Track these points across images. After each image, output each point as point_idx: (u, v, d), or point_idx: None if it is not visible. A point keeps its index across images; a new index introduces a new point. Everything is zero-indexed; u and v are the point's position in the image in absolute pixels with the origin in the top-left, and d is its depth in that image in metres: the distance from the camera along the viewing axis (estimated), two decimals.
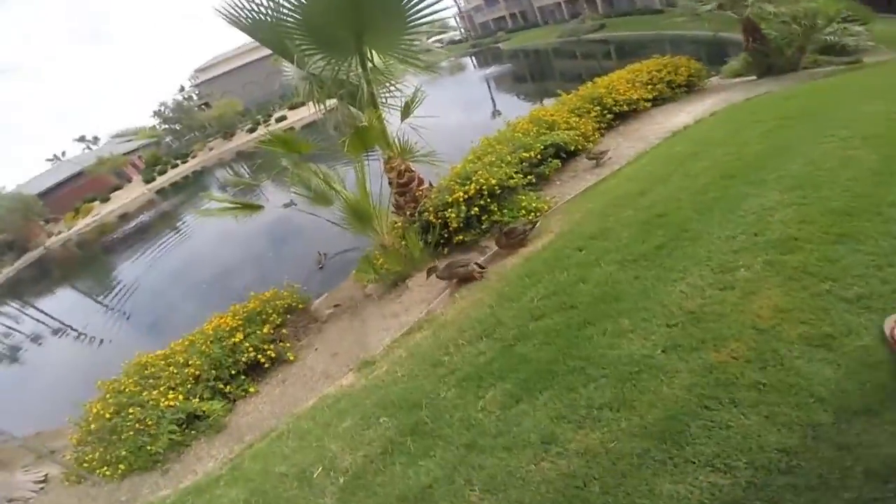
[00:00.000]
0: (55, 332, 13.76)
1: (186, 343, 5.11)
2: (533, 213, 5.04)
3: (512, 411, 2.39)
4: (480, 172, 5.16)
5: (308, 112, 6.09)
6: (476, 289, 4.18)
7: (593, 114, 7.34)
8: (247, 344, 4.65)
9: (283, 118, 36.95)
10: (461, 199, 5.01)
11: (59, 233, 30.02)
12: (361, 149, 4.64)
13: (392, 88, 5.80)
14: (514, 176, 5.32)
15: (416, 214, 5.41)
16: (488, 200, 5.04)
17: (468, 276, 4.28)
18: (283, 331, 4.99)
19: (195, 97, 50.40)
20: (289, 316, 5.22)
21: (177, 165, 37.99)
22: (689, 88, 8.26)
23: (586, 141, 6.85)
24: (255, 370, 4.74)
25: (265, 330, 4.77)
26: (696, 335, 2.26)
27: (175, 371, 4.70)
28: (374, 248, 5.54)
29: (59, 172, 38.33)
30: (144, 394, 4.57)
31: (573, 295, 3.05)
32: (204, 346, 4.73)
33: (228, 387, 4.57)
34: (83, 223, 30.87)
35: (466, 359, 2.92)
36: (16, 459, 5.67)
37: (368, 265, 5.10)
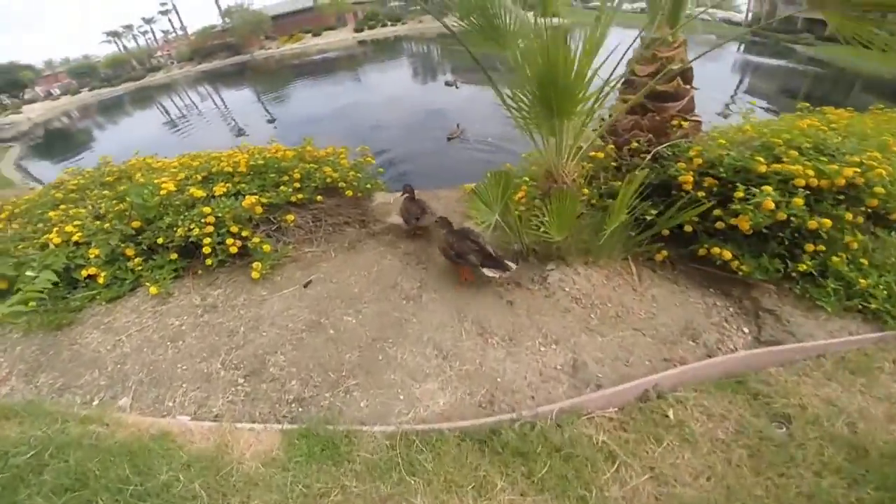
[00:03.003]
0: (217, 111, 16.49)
1: (178, 164, 3.10)
2: None
3: None
4: (866, 157, 1.78)
5: None
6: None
7: None
8: (208, 209, 2.40)
9: None
10: (775, 177, 1.75)
11: (268, 48, 34.65)
12: None
13: None
14: None
15: (645, 155, 2.34)
16: (819, 223, 1.71)
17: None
18: (291, 216, 2.62)
19: None
20: (320, 198, 2.80)
21: (386, 25, 38.42)
22: None
23: None
24: (197, 256, 2.52)
25: (249, 204, 2.43)
26: None
27: (107, 198, 2.78)
28: (529, 170, 2.75)
29: (296, 3, 41.48)
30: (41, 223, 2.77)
31: None
32: (162, 182, 2.63)
33: (138, 261, 2.45)
34: (289, 47, 34.89)
35: None
36: None
37: (491, 198, 2.28)
